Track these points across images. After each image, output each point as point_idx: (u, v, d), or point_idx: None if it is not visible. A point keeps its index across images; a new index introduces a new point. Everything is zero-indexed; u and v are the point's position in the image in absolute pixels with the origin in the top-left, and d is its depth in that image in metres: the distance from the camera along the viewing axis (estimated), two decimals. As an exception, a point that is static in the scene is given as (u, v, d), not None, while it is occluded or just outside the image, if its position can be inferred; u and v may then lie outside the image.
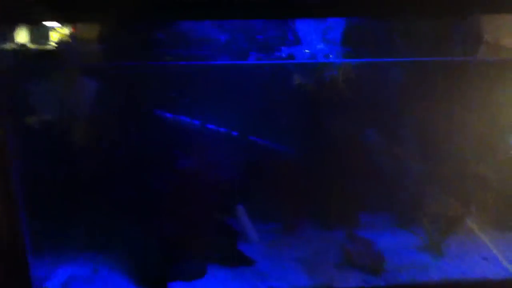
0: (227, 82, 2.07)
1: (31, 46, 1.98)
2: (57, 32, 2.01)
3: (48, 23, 1.98)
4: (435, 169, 2.16)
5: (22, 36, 1.95)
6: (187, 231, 2.07)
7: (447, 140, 2.12)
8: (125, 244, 2.09)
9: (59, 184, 2.03)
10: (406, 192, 2.21)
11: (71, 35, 2.02)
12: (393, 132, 2.18)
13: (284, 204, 2.27)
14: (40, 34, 2.00)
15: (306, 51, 2.00)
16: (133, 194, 2.08)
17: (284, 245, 2.17)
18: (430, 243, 2.12)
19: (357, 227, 2.25)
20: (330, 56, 2.02)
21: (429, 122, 2.13)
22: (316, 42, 2.02)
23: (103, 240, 2.12)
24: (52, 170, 2.03)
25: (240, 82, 2.09)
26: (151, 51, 2.04)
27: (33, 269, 1.82)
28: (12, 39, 1.90)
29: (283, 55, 2.02)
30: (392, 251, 2.08)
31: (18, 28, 1.92)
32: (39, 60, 2.02)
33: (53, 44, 2.02)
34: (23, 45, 1.96)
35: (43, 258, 2.01)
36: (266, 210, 2.27)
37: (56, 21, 1.93)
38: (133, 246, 2.08)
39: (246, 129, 2.19)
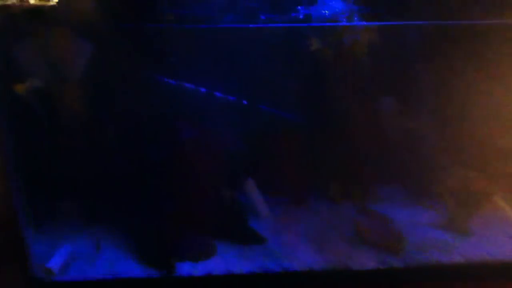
0: (235, 46, 1.89)
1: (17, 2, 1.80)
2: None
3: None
4: (459, 140, 1.99)
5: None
6: (194, 207, 1.95)
7: (472, 109, 1.93)
8: (128, 220, 1.99)
9: (56, 156, 1.92)
10: (427, 164, 2.06)
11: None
12: (412, 100, 2.00)
13: (296, 176, 2.13)
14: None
15: (324, 11, 1.80)
16: (135, 167, 1.96)
17: (296, 221, 2.05)
18: (453, 221, 1.98)
19: (373, 202, 2.11)
20: (346, 17, 1.82)
21: (453, 90, 1.94)
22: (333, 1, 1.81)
23: (105, 216, 2.03)
24: (48, 140, 1.92)
25: (248, 46, 1.90)
26: (150, 11, 1.84)
27: (33, 247, 1.75)
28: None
29: (295, 15, 1.82)
30: (411, 229, 1.95)
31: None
32: (27, 18, 1.84)
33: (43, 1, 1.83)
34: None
35: (43, 235, 1.93)
36: (277, 183, 2.14)
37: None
38: (136, 222, 1.97)
39: (255, 97, 2.03)
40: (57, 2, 1.82)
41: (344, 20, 1.81)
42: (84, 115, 1.94)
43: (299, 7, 1.80)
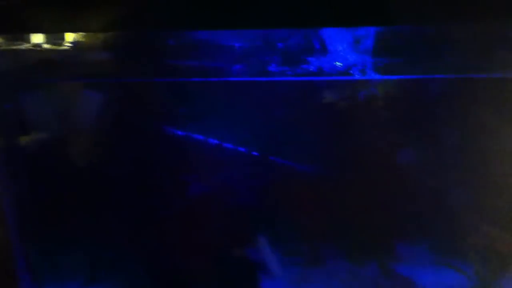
0: (246, 98, 1.83)
1: (28, 56, 1.81)
2: (56, 42, 1.82)
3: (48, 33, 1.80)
4: (486, 197, 1.87)
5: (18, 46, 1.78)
6: (200, 265, 1.86)
7: (499, 165, 1.82)
8: (128, 276, 1.89)
9: (56, 207, 1.86)
10: (451, 221, 1.93)
11: (72, 46, 1.82)
12: (436, 155, 1.89)
13: (311, 233, 2.02)
14: (40, 44, 1.82)
15: (338, 63, 1.74)
16: (138, 220, 1.89)
17: (311, 283, 1.92)
18: (480, 283, 1.83)
19: (394, 262, 1.98)
20: (360, 70, 1.75)
21: (479, 146, 1.84)
22: (348, 53, 1.74)
23: (103, 268, 1.95)
24: (49, 192, 1.87)
25: (260, 97, 1.84)
26: (159, 64, 1.81)
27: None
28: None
29: (309, 68, 1.76)
30: (434, 291, 1.82)
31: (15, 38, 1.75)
32: (37, 72, 1.84)
33: (53, 55, 1.83)
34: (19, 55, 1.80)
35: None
36: (290, 240, 2.03)
37: (56, 30, 1.76)
38: (137, 279, 1.87)
39: (267, 149, 1.95)
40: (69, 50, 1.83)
41: (358, 73, 1.74)
42: (90, 169, 1.89)
43: (310, 58, 1.74)
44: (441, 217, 1.94)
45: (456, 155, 1.86)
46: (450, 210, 1.93)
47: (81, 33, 1.80)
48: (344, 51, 1.71)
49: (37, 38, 1.83)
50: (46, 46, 1.83)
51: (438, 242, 2.01)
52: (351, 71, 1.73)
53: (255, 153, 1.93)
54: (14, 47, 1.82)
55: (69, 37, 1.81)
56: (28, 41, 1.83)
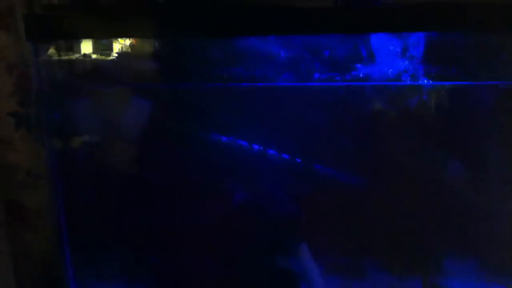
0: (291, 104, 1.83)
1: (77, 61, 1.86)
2: (106, 49, 1.87)
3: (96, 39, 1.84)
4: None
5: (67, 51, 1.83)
6: (241, 273, 1.84)
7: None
8: (171, 282, 1.90)
9: (101, 215, 1.88)
10: (500, 236, 1.86)
11: (122, 52, 1.86)
12: (487, 166, 1.83)
13: (354, 244, 1.98)
14: (89, 49, 1.88)
15: (386, 70, 1.71)
16: (181, 228, 1.89)
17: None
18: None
19: (439, 277, 1.91)
20: (412, 76, 1.72)
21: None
22: (396, 60, 1.72)
23: (146, 276, 1.95)
24: (95, 199, 1.90)
25: (306, 104, 1.83)
26: (207, 70, 1.83)
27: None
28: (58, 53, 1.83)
29: (357, 74, 1.75)
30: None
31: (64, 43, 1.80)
32: (86, 78, 1.89)
33: (102, 61, 1.88)
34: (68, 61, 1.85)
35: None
36: (333, 251, 1.99)
37: (105, 36, 1.81)
38: (177, 285, 1.88)
39: (311, 157, 1.93)
40: (116, 59, 1.87)
41: (408, 79, 1.71)
42: (136, 174, 1.92)
43: (358, 65, 1.72)
44: (490, 231, 1.88)
45: (508, 166, 1.80)
46: (500, 224, 1.87)
47: (128, 40, 1.85)
48: (394, 57, 1.69)
49: (86, 48, 1.88)
50: (94, 55, 1.89)
51: (486, 257, 1.94)
52: (402, 78, 1.71)
53: (298, 160, 1.92)
54: (65, 57, 1.88)
55: (117, 45, 1.87)
56: (78, 51, 1.89)
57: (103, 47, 1.87)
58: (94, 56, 1.87)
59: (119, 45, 1.86)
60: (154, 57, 1.88)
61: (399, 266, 1.97)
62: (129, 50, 1.86)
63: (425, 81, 1.71)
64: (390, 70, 1.71)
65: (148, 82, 1.91)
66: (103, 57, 1.88)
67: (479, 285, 1.89)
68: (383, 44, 1.72)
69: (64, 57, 1.85)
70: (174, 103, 1.90)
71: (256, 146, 1.89)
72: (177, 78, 1.88)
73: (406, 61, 1.70)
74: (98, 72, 1.89)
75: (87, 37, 1.79)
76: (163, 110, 1.91)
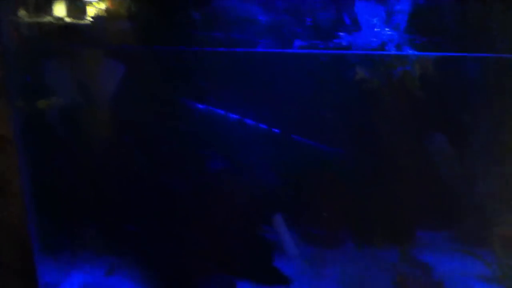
0: (271, 72, 1.77)
1: (49, 23, 1.76)
2: (79, 8, 1.77)
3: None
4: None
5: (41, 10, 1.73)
6: (215, 241, 1.82)
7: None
8: (142, 251, 1.86)
9: (70, 181, 1.82)
10: (476, 208, 1.87)
11: (96, 12, 1.77)
12: (468, 139, 1.82)
13: (330, 214, 1.97)
14: (63, 9, 1.77)
15: (370, 39, 1.66)
16: (154, 195, 1.84)
17: (327, 264, 1.88)
18: (503, 275, 1.77)
19: (414, 247, 1.92)
20: (395, 45, 1.67)
21: (506, 131, 1.77)
22: (380, 28, 1.67)
23: (118, 244, 1.91)
24: (64, 165, 1.82)
25: (286, 72, 1.77)
26: (184, 33, 1.75)
27: (41, 276, 1.63)
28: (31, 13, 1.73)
29: (339, 42, 1.69)
30: (455, 280, 1.77)
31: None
32: (60, 38, 1.79)
33: (76, 21, 1.79)
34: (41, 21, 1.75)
35: (53, 262, 1.82)
36: (308, 221, 1.98)
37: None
38: (152, 255, 1.84)
39: (289, 126, 1.89)
40: (92, 22, 1.78)
41: (393, 49, 1.66)
42: (108, 138, 1.85)
43: (341, 33, 1.67)
44: (465, 204, 1.89)
45: (488, 140, 1.80)
46: (475, 197, 1.87)
47: (103, 3, 1.76)
48: (378, 26, 1.64)
49: (59, 10, 1.78)
50: (67, 18, 1.79)
51: (460, 229, 1.96)
52: (386, 47, 1.66)
53: (276, 130, 1.88)
54: (36, 19, 1.77)
55: (91, 8, 1.78)
56: (50, 12, 1.79)
57: (76, 8, 1.77)
58: (66, 18, 1.78)
59: (94, 8, 1.77)
60: (128, 19, 1.79)
61: (377, 237, 1.97)
62: (104, 12, 1.77)
63: (410, 51, 1.67)
64: (374, 39, 1.66)
65: (121, 44, 1.82)
66: (76, 20, 1.79)
67: (456, 259, 1.91)
68: (367, 11, 1.67)
69: (35, 19, 1.75)
70: (148, 67, 1.82)
71: (233, 114, 1.84)
72: (151, 41, 1.79)
73: (391, 30, 1.65)
74: (70, 33, 1.79)
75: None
76: (136, 74, 1.82)
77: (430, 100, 1.75)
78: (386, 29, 1.65)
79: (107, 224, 1.90)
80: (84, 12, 1.79)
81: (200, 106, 1.86)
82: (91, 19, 1.78)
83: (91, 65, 1.86)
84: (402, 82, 1.71)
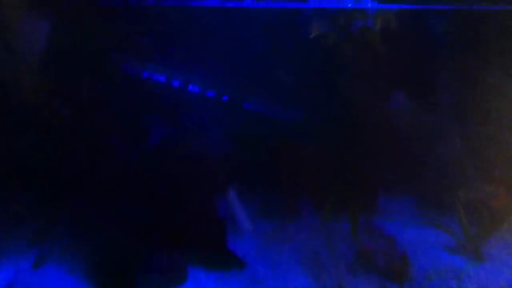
0: (216, 28, 1.56)
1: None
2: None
3: None
4: (478, 147, 1.70)
5: None
6: (160, 217, 1.65)
7: (498, 111, 1.65)
8: (80, 230, 1.68)
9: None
10: (439, 175, 1.77)
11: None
12: (429, 97, 1.70)
13: (287, 184, 1.83)
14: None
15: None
16: (93, 164, 1.65)
17: (285, 239, 1.75)
18: (467, 243, 1.70)
19: (376, 218, 1.81)
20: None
21: (476, 87, 1.65)
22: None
23: (52, 225, 1.71)
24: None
25: (233, 29, 1.57)
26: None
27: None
28: None
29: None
30: (419, 251, 1.68)
31: None
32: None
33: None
34: None
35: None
36: (263, 193, 1.84)
37: None
38: (91, 234, 1.66)
39: (240, 93, 1.71)
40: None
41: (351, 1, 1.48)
42: (38, 102, 1.63)
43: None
44: (428, 171, 1.79)
45: (450, 100, 1.67)
46: (439, 162, 1.77)
47: None
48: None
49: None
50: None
51: (424, 198, 1.86)
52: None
53: (224, 97, 1.69)
54: None
55: None
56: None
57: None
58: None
59: None
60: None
61: (335, 207, 1.85)
62: None
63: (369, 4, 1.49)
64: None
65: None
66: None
67: (419, 229, 1.82)
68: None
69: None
70: (81, 23, 1.58)
71: (175, 80, 1.63)
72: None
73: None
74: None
75: None
76: (65, 30, 1.58)
77: (387, 54, 1.60)
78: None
79: (38, 201, 1.70)
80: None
81: (141, 68, 1.65)
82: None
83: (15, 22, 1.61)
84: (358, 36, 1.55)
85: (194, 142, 1.70)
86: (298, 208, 1.88)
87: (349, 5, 1.49)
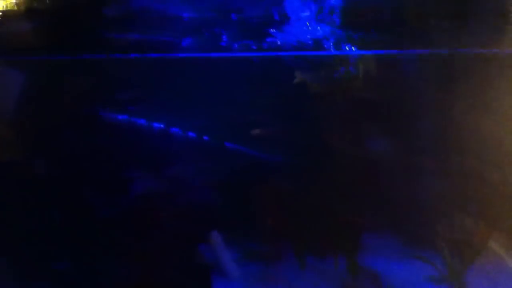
0: (196, 77, 1.60)
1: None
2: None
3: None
4: (456, 185, 1.77)
5: None
6: (147, 267, 1.63)
7: (470, 150, 1.72)
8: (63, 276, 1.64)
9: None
10: (420, 213, 1.82)
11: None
12: (404, 140, 1.76)
13: (272, 227, 1.83)
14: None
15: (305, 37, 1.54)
16: (74, 220, 1.62)
17: (270, 281, 1.74)
18: (449, 275, 1.74)
19: (361, 256, 1.83)
20: (333, 43, 1.57)
21: (451, 127, 1.72)
22: (311, 24, 1.55)
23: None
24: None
25: (212, 76, 1.62)
26: (99, 36, 1.54)
27: None
28: None
29: (271, 40, 1.55)
30: (403, 285, 1.71)
31: None
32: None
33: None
34: None
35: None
36: (247, 236, 1.83)
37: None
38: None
39: (222, 134, 1.73)
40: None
41: (331, 47, 1.55)
42: (14, 162, 1.61)
43: (272, 31, 1.53)
44: (410, 209, 1.83)
45: (430, 141, 1.74)
46: (420, 201, 1.82)
47: None
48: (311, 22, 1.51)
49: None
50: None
51: (406, 234, 1.90)
52: (324, 45, 1.53)
53: (209, 141, 1.71)
54: None
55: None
56: None
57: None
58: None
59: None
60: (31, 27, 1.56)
61: (321, 248, 1.86)
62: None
63: (347, 48, 1.56)
64: (308, 36, 1.54)
65: (24, 54, 1.59)
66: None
67: (403, 263, 1.84)
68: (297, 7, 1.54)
69: None
70: (56, 77, 1.59)
71: (158, 124, 1.65)
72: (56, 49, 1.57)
73: (325, 26, 1.54)
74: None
75: None
76: (42, 85, 1.59)
77: (360, 99, 1.66)
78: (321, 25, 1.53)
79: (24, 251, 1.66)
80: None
81: (120, 117, 1.66)
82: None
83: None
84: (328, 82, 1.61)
85: (176, 191, 1.70)
86: (282, 251, 1.88)
87: (331, 52, 1.55)
